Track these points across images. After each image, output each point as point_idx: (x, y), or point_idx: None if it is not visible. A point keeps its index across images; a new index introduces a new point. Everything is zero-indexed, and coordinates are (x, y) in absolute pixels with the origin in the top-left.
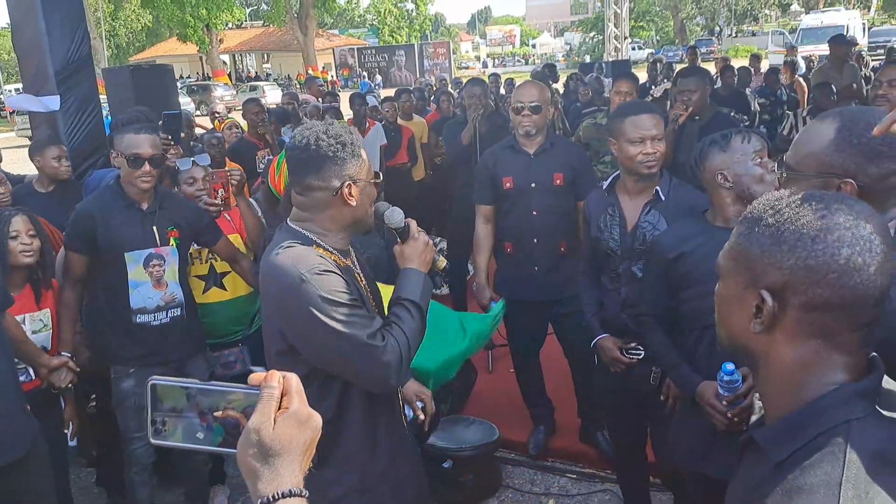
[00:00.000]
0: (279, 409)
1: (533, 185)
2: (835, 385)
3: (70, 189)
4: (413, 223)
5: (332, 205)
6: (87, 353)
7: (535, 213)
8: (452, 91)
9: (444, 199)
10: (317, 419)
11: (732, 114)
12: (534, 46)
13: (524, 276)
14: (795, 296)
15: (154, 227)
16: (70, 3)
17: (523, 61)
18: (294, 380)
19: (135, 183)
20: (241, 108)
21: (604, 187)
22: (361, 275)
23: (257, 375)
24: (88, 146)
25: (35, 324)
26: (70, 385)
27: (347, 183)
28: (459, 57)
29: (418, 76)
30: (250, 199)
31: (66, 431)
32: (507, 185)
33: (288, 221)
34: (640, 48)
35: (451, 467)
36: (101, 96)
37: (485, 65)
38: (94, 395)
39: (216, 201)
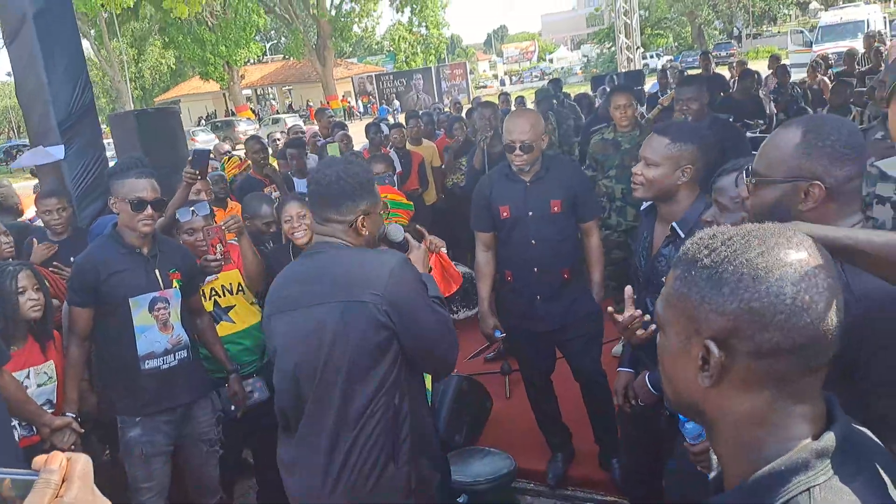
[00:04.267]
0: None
1: (530, 213)
2: (794, 442)
3: (83, 236)
4: (408, 235)
5: (347, 233)
6: (95, 399)
7: (533, 241)
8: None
9: (457, 223)
10: None
11: (746, 119)
12: (551, 61)
13: (526, 306)
14: (743, 343)
15: (157, 271)
16: (71, 53)
17: (539, 76)
18: (80, 463)
19: (136, 227)
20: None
21: (641, 208)
22: None
23: (39, 458)
24: (94, 193)
25: (40, 377)
26: (72, 447)
27: (361, 217)
28: (477, 77)
29: (436, 98)
30: None
31: None
32: (504, 213)
33: (329, 240)
34: (658, 56)
35: (466, 502)
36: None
37: (502, 83)
38: (107, 444)
39: (216, 257)
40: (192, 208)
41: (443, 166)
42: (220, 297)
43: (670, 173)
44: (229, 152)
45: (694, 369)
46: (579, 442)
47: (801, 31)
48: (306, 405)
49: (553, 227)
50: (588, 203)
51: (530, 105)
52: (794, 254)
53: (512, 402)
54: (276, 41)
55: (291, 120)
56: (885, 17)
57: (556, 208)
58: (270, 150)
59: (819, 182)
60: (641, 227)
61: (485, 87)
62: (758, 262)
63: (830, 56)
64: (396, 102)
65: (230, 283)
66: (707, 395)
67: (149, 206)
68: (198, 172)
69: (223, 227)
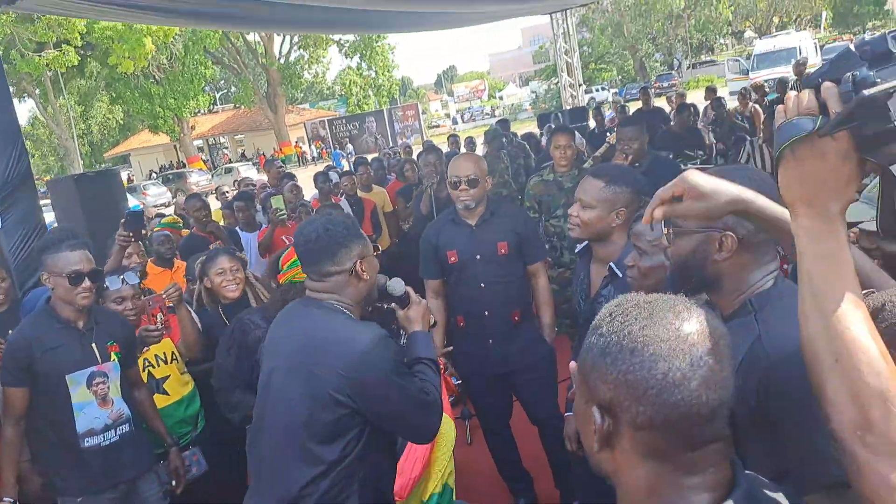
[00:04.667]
0: None
1: (478, 256)
2: None
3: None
4: (410, 290)
5: (349, 283)
6: (38, 479)
7: (482, 285)
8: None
9: (411, 266)
10: None
11: (686, 151)
12: (501, 98)
13: (479, 350)
14: (623, 413)
15: (94, 345)
16: (5, 122)
17: (490, 114)
18: None
19: (75, 300)
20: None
21: (577, 250)
22: None
23: None
24: (33, 263)
25: None
26: None
27: (358, 261)
28: (430, 116)
29: (390, 141)
30: None
31: None
32: (452, 258)
33: (324, 296)
34: (603, 89)
35: None
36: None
37: (454, 121)
38: None
39: (157, 327)
40: (122, 276)
41: (396, 209)
42: (153, 367)
43: (605, 216)
44: None
45: (592, 433)
46: (542, 485)
47: (738, 60)
48: (265, 462)
49: (501, 270)
50: (534, 245)
51: (480, 146)
52: (675, 329)
53: (473, 447)
54: (225, 90)
55: (244, 169)
56: (815, 43)
57: (503, 250)
58: (220, 203)
59: (731, 232)
60: (578, 268)
61: (437, 126)
62: (638, 334)
63: (766, 83)
64: (350, 146)
65: (164, 353)
66: (601, 460)
67: (86, 279)
68: (131, 234)
69: (163, 296)
